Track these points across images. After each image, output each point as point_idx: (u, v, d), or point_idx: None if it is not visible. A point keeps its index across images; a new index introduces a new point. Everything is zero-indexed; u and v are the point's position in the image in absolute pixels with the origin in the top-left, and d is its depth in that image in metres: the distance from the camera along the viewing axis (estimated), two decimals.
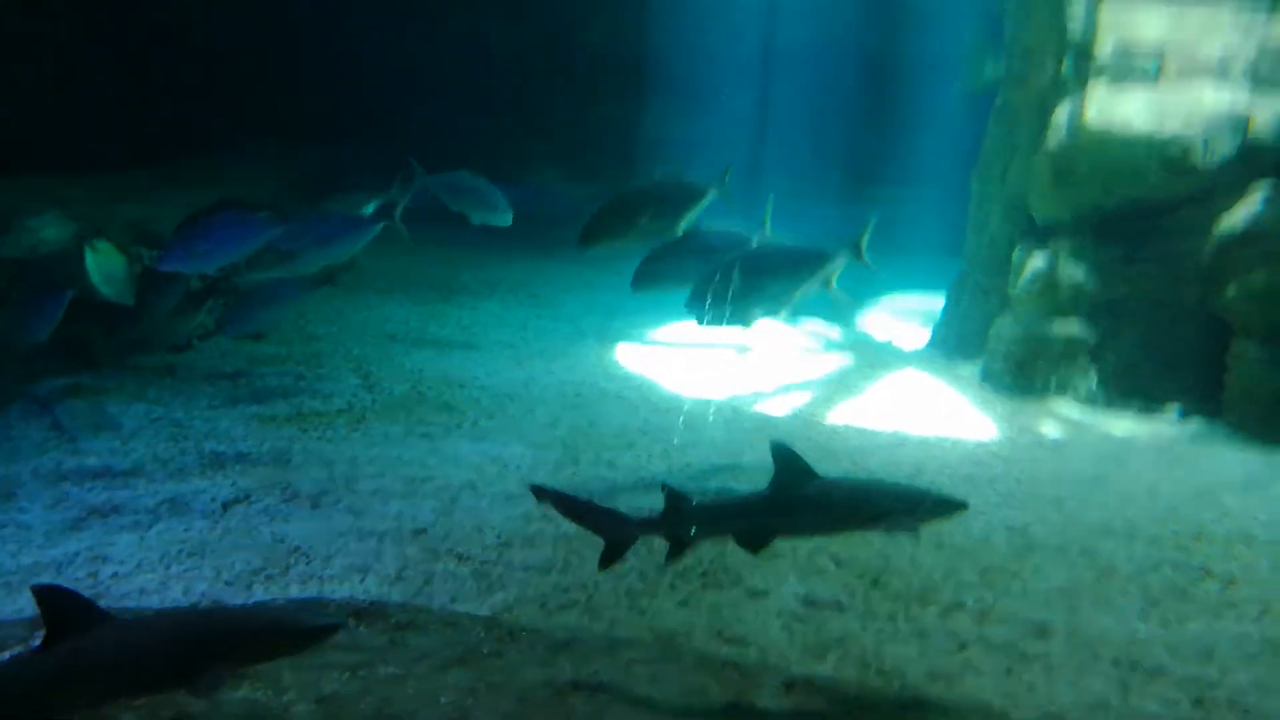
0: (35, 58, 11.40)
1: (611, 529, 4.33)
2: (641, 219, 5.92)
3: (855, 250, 6.28)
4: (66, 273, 7.88)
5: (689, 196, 6.22)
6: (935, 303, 12.16)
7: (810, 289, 6.20)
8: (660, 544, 4.82)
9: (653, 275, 6.17)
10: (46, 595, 3.19)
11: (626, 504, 6.30)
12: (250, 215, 6.81)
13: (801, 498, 4.30)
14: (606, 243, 6.09)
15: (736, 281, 5.76)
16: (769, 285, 5.99)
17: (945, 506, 4.48)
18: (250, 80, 13.28)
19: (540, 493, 4.49)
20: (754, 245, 6.25)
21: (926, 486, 4.88)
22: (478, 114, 15.91)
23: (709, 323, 5.90)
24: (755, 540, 4.30)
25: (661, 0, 14.98)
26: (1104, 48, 10.46)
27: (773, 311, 6.12)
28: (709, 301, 5.82)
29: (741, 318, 5.96)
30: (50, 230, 8.51)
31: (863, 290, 14.15)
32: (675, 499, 4.26)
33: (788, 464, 4.31)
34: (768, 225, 6.27)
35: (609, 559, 4.31)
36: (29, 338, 7.43)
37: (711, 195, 6.27)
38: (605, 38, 16.03)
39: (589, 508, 4.48)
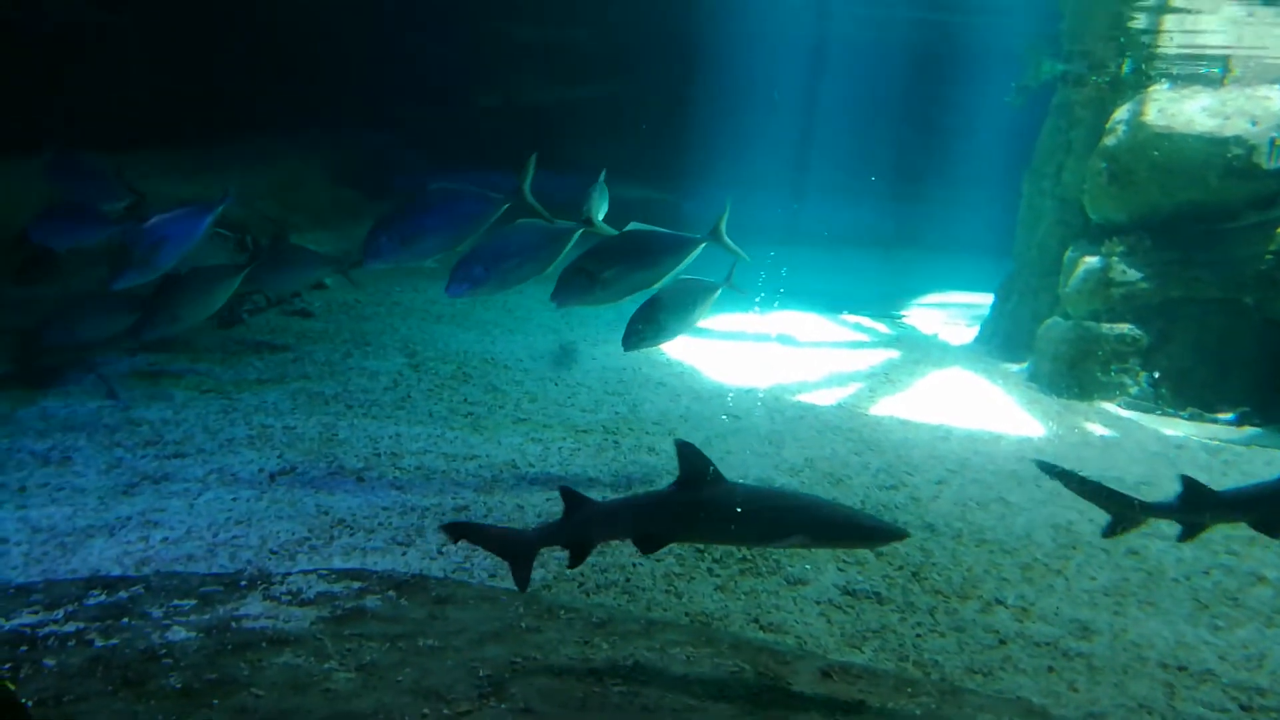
0: (94, 43, 11.64)
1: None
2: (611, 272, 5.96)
3: (715, 235, 6.29)
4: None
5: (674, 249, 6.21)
6: (982, 301, 12.03)
7: (675, 273, 6.25)
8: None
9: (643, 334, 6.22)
10: (685, 450, 4.09)
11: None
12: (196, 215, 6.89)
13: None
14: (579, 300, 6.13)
15: (604, 266, 5.84)
16: (635, 271, 6.03)
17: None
18: (305, 64, 13.44)
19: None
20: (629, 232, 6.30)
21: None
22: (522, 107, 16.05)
23: (564, 304, 5.95)
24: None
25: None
26: (1167, 49, 10.29)
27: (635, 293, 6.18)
28: (573, 288, 5.86)
29: (608, 300, 6.11)
30: None
31: (907, 286, 14.05)
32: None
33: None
34: (723, 228, 6.30)
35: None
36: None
37: (699, 245, 6.28)
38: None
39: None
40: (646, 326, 6.12)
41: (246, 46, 12.87)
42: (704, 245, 6.27)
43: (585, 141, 14.67)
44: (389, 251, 5.76)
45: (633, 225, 6.12)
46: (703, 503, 4.04)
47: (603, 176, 7.19)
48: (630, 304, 6.33)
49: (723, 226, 6.31)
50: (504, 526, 4.63)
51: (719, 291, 6.56)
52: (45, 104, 10.60)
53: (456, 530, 4.43)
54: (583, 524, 4.17)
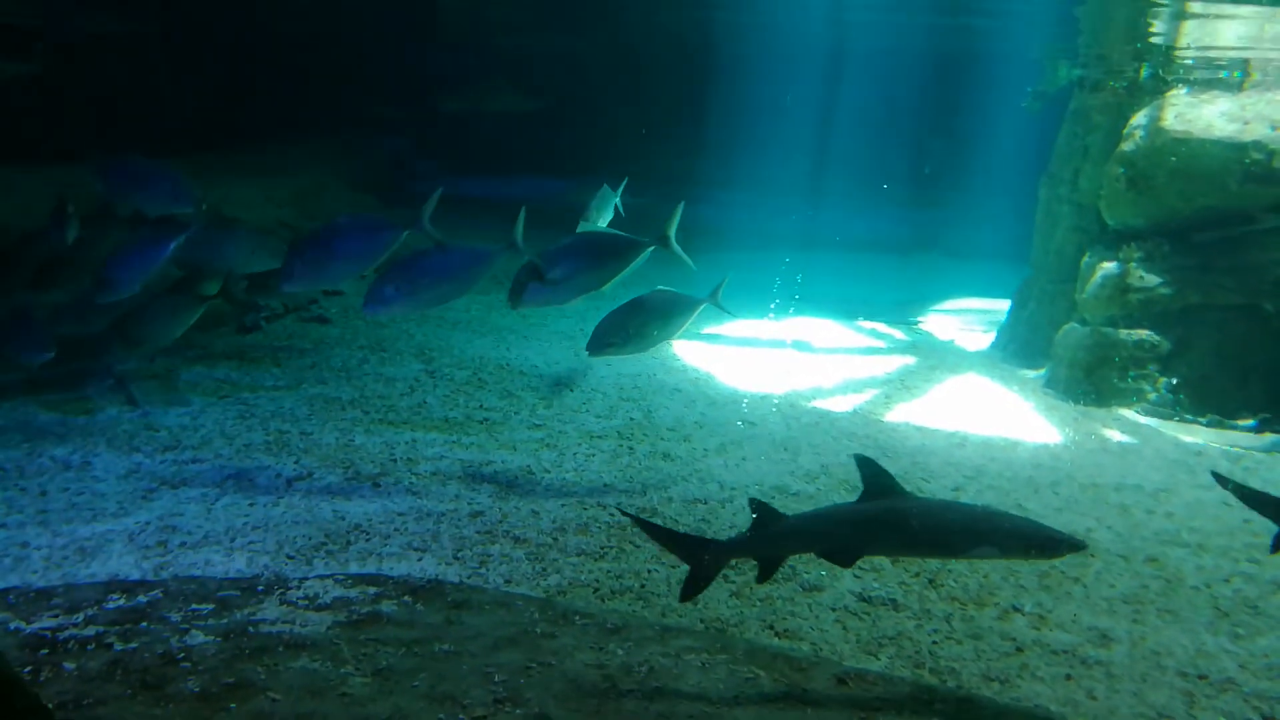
0: (121, 52, 11.77)
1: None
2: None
3: (663, 240, 6.34)
4: None
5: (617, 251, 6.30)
6: (998, 306, 11.97)
7: (624, 275, 6.33)
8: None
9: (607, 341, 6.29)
10: (866, 465, 4.16)
11: (680, 496, 6.35)
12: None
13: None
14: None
15: (557, 269, 5.97)
16: (583, 272, 6.12)
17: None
18: (323, 71, 13.55)
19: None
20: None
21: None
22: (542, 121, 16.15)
23: (518, 306, 6.10)
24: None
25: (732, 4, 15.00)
26: (1185, 54, 10.24)
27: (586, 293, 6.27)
28: (526, 289, 5.99)
29: (560, 300, 6.20)
30: None
31: (923, 292, 14.00)
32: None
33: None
34: (672, 232, 6.35)
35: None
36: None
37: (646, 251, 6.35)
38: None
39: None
40: (615, 334, 6.19)
41: (267, 54, 12.98)
42: (689, 249, 6.36)
43: (598, 151, 14.74)
44: (300, 275, 6.04)
45: (582, 228, 6.20)
46: (890, 515, 4.06)
47: (605, 188, 7.25)
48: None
49: (671, 231, 6.36)
50: (692, 533, 4.61)
51: (700, 307, 6.54)
52: (75, 113, 10.72)
53: (644, 527, 4.41)
54: (774, 538, 4.16)
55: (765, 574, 4.19)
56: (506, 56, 16.11)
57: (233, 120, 12.61)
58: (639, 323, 6.26)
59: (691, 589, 4.18)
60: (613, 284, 6.25)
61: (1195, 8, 9.59)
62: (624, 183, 7.79)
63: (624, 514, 4.67)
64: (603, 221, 7.27)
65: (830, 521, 4.30)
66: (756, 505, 4.12)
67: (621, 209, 7.76)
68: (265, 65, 12.88)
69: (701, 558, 4.13)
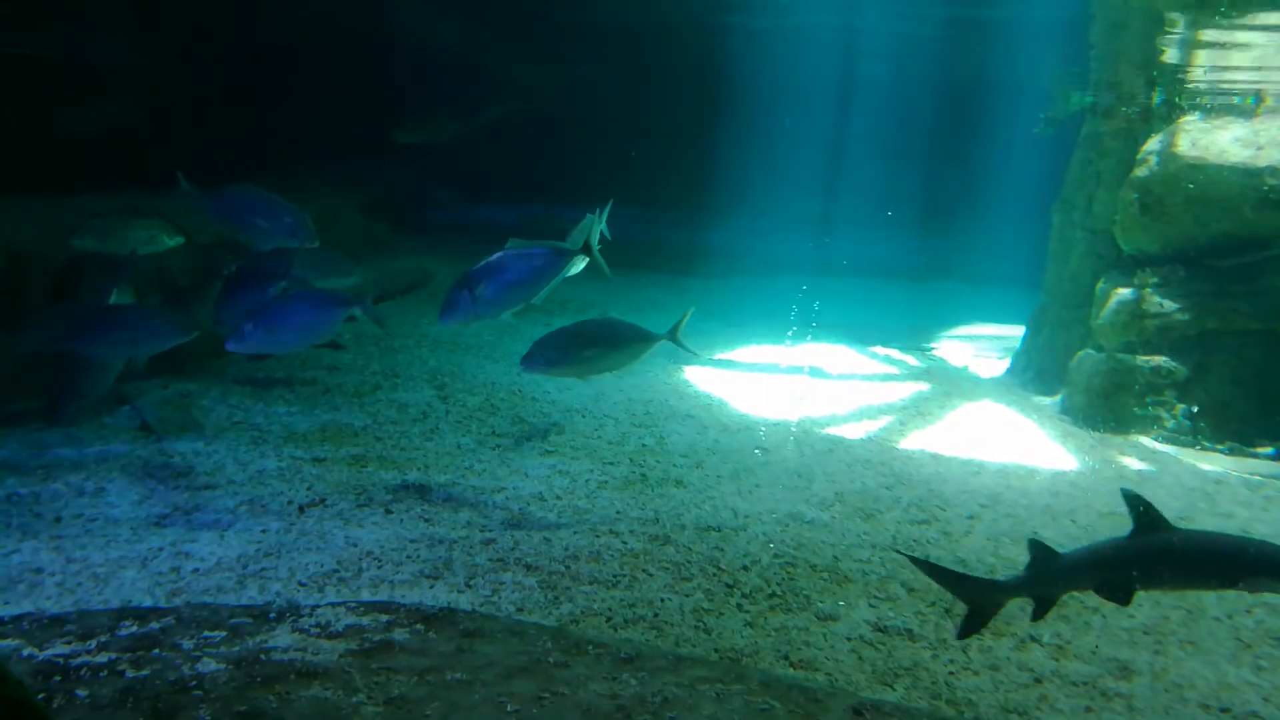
0: (139, 81, 11.92)
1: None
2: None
3: (586, 250, 6.43)
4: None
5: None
6: (1013, 333, 11.93)
7: (551, 287, 6.47)
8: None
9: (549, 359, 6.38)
10: (1134, 499, 4.15)
11: (693, 523, 6.31)
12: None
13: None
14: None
15: (484, 284, 6.12)
16: (512, 286, 6.23)
17: None
18: (341, 97, 13.68)
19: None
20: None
21: None
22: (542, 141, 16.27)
23: (459, 322, 6.24)
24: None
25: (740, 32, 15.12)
26: (1198, 81, 10.24)
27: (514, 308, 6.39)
28: (456, 305, 6.13)
29: (491, 314, 6.30)
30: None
31: (937, 318, 13.97)
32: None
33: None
34: (594, 240, 6.47)
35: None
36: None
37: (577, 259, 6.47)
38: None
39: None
40: (550, 353, 6.28)
41: (286, 80, 13.12)
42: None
43: (612, 176, 14.79)
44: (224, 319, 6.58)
45: (512, 242, 6.31)
46: (1165, 549, 4.07)
47: (588, 216, 7.28)
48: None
49: (594, 239, 6.43)
50: (971, 574, 4.78)
51: (655, 344, 6.58)
52: (94, 143, 10.83)
53: (924, 567, 4.52)
54: (1051, 577, 4.20)
55: (1040, 613, 4.27)
56: (512, 84, 16.26)
57: (245, 146, 12.73)
58: (578, 347, 6.36)
59: (969, 628, 4.32)
60: (543, 295, 6.39)
61: (1207, 35, 9.60)
62: (608, 205, 7.83)
63: (902, 553, 4.75)
64: (590, 240, 7.32)
65: (1105, 558, 4.30)
66: (1034, 545, 4.21)
67: (607, 233, 7.82)
68: (278, 87, 13.01)
69: (981, 597, 4.25)
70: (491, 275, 6.15)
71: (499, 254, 6.30)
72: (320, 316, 6.52)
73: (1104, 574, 4.14)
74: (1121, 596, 4.14)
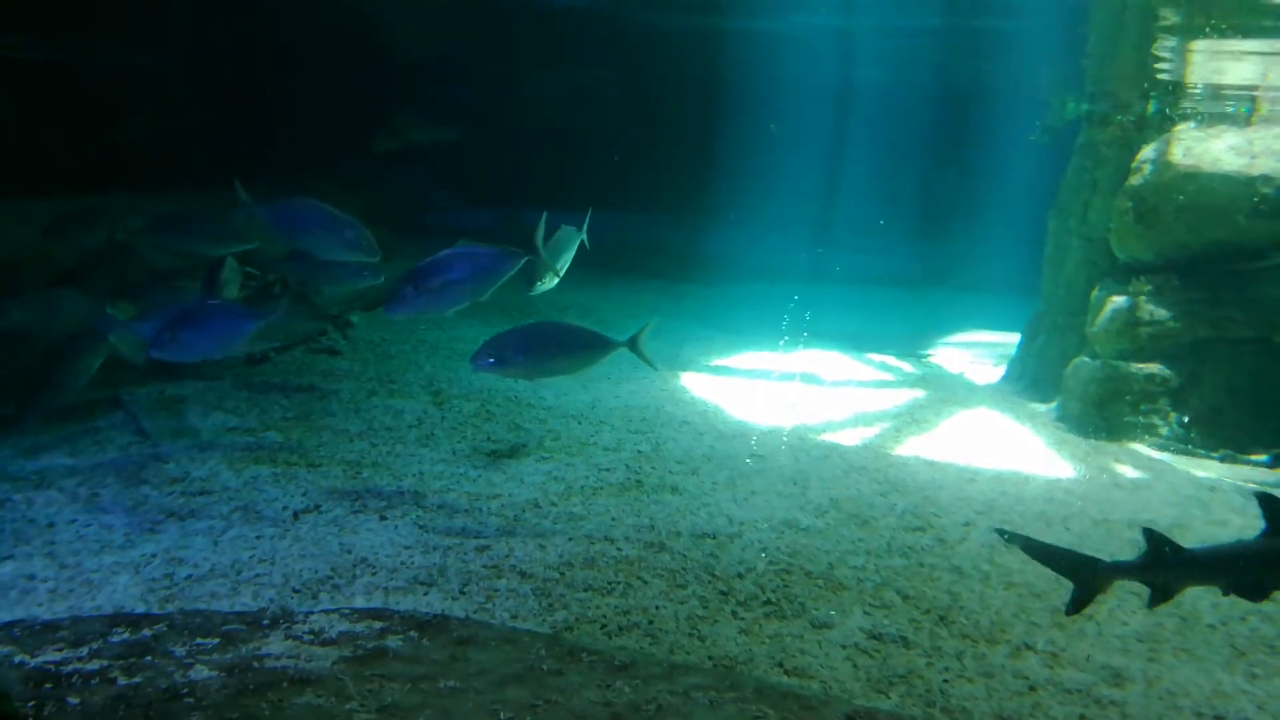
0: (147, 85, 11.93)
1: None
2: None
3: (534, 250, 6.56)
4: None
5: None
6: (1008, 340, 11.95)
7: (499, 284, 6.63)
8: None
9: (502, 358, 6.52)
10: (1268, 501, 4.11)
11: (688, 529, 6.31)
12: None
13: None
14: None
15: (429, 279, 6.30)
16: (457, 283, 6.39)
17: None
18: (344, 102, 13.68)
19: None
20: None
21: None
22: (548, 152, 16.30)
23: (403, 314, 6.41)
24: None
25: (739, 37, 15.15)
26: (1193, 89, 10.28)
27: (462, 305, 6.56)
28: (402, 299, 6.29)
29: (436, 309, 6.46)
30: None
31: (933, 325, 13.99)
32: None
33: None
34: (539, 240, 6.58)
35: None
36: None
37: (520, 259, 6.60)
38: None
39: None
40: (498, 353, 6.41)
41: (290, 84, 13.12)
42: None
43: (612, 183, 14.82)
44: (164, 344, 6.69)
45: (462, 242, 6.49)
46: None
47: (567, 228, 7.44)
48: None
49: (539, 239, 6.54)
50: (1076, 551, 4.74)
51: (612, 351, 6.65)
52: (96, 146, 10.84)
53: (1024, 544, 4.60)
54: (1173, 565, 4.22)
55: (1157, 600, 4.31)
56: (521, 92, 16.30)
57: (247, 150, 12.72)
58: (529, 348, 6.46)
59: (1075, 605, 4.39)
60: (489, 293, 6.52)
61: (1200, 45, 9.65)
62: (588, 215, 7.86)
63: (1000, 531, 5.02)
64: (562, 259, 7.41)
65: (1236, 556, 4.30)
66: (1149, 534, 4.24)
67: (587, 243, 7.85)
68: (278, 91, 13.02)
69: (1086, 575, 4.32)
70: (436, 272, 6.31)
71: (446, 251, 6.44)
72: (233, 327, 6.80)
73: (1237, 571, 4.15)
74: (1255, 594, 4.17)
